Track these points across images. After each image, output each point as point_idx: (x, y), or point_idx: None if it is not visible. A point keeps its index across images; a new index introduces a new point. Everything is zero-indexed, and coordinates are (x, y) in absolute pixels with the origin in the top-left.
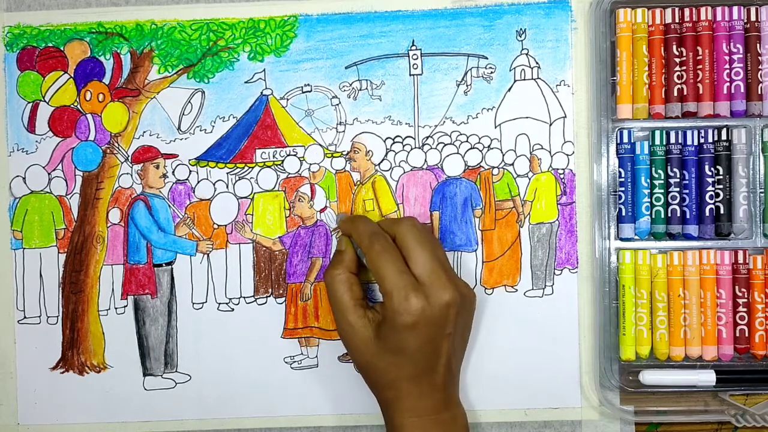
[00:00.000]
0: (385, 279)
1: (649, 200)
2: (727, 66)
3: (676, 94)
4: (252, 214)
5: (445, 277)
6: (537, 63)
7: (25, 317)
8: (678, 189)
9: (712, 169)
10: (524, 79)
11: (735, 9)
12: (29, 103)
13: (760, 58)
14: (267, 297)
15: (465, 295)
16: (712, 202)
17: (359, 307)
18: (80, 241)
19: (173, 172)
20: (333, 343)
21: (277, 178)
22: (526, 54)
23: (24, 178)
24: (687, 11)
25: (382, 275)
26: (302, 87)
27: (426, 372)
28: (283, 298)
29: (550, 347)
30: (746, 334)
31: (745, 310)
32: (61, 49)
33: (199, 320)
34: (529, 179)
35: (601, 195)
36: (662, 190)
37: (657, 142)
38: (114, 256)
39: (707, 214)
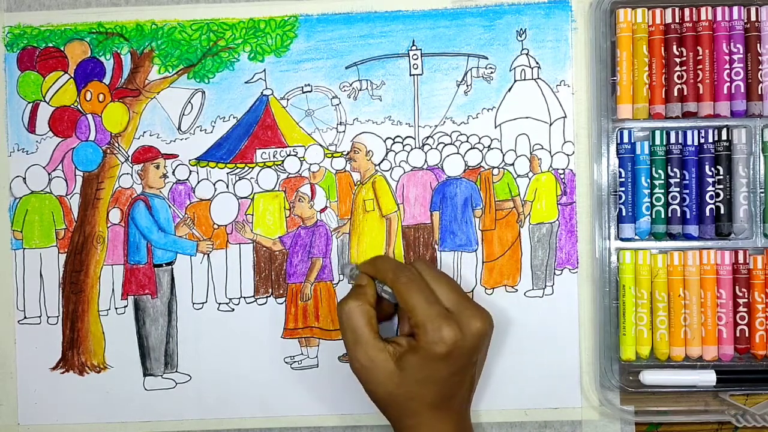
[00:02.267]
0: (415, 309)
1: (649, 200)
2: (727, 66)
3: (676, 94)
4: (252, 214)
5: (473, 306)
6: (537, 63)
7: (25, 317)
8: (678, 189)
9: (713, 169)
10: (524, 79)
11: (735, 9)
12: (29, 103)
13: (760, 58)
14: (267, 297)
15: (489, 326)
16: (713, 202)
17: (379, 341)
18: (80, 241)
19: (173, 172)
20: (333, 343)
21: (278, 178)
22: (527, 54)
23: (24, 179)
24: (687, 11)
25: (412, 305)
26: (302, 87)
27: (448, 398)
28: (284, 298)
29: (550, 347)
30: (746, 334)
31: (745, 310)
32: (62, 49)
33: (199, 320)
34: (530, 179)
35: (601, 195)
36: (662, 190)
37: (657, 142)
38: (114, 256)
39: (707, 214)
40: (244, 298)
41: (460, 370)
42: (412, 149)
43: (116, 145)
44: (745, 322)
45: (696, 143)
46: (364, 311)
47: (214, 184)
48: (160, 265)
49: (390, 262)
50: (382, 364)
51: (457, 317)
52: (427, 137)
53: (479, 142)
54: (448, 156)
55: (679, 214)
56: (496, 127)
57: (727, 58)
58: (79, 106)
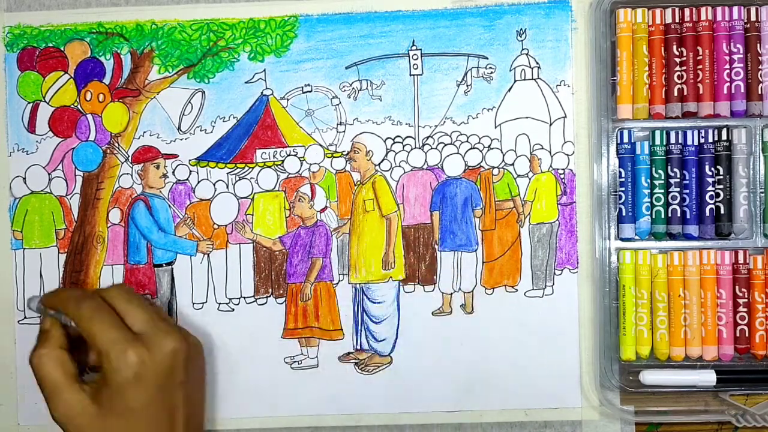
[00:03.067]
0: (96, 338)
1: (649, 200)
2: (727, 66)
3: (676, 94)
4: (252, 215)
5: (164, 326)
6: (537, 63)
7: (25, 317)
8: (678, 189)
9: (713, 169)
10: (524, 79)
11: (735, 9)
12: (29, 103)
13: (760, 58)
14: (267, 297)
15: (192, 343)
16: (713, 202)
17: (74, 383)
18: (80, 242)
19: (173, 172)
20: (333, 343)
21: (278, 178)
22: (527, 54)
23: (24, 179)
24: (687, 11)
25: (94, 334)
26: (302, 87)
27: (162, 427)
28: (283, 299)
29: (550, 347)
30: (746, 334)
31: (745, 310)
32: (62, 49)
33: (199, 320)
34: (530, 179)
35: (601, 195)
36: (662, 190)
37: (657, 142)
38: (114, 256)
39: (707, 214)
40: (244, 298)
41: (160, 393)
42: (412, 149)
43: (116, 145)
44: (745, 322)
45: (696, 143)
46: (53, 357)
47: (214, 184)
48: (160, 265)
49: (73, 293)
50: (82, 409)
51: (145, 339)
52: (427, 137)
53: (479, 142)
54: (448, 156)
55: (679, 214)
56: (496, 127)
57: (727, 58)
58: (79, 106)
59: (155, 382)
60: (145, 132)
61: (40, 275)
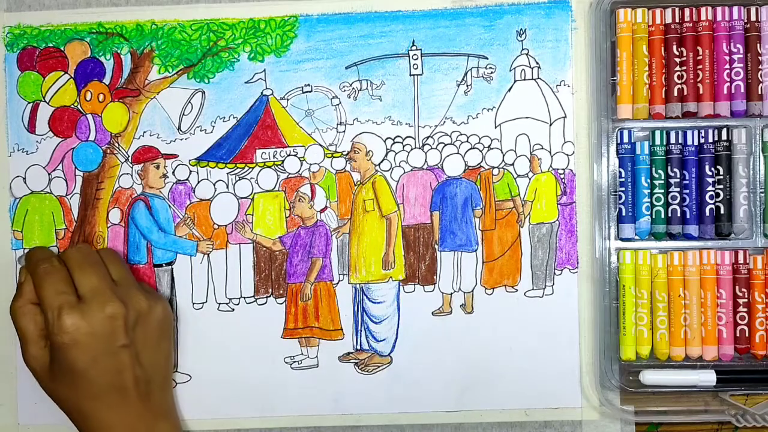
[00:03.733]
0: (41, 301)
1: (649, 200)
2: (727, 66)
3: (676, 94)
4: (252, 215)
5: (109, 292)
6: (537, 63)
7: None
8: (678, 189)
9: (713, 169)
10: (524, 79)
11: (735, 9)
12: (29, 103)
13: (760, 58)
14: (267, 297)
15: (138, 309)
16: (713, 202)
17: (41, 339)
18: (80, 241)
19: (173, 172)
20: (333, 343)
21: (278, 178)
22: (527, 54)
23: (24, 179)
24: (687, 11)
25: (41, 297)
26: (302, 87)
27: (110, 389)
28: (284, 299)
29: (550, 347)
30: (746, 334)
31: (745, 310)
32: (62, 49)
33: (199, 320)
34: (530, 179)
35: (601, 195)
36: (662, 190)
37: (657, 142)
38: None
39: (707, 214)
40: (244, 298)
41: (102, 356)
42: (412, 149)
43: (116, 145)
44: (745, 322)
45: (696, 143)
46: (25, 311)
47: (214, 184)
48: (160, 265)
49: (36, 254)
50: (42, 363)
51: (85, 304)
52: (427, 137)
53: (479, 142)
54: (448, 156)
55: (679, 214)
56: (496, 127)
57: (727, 58)
58: (79, 106)
59: (93, 346)
60: (145, 132)
61: None
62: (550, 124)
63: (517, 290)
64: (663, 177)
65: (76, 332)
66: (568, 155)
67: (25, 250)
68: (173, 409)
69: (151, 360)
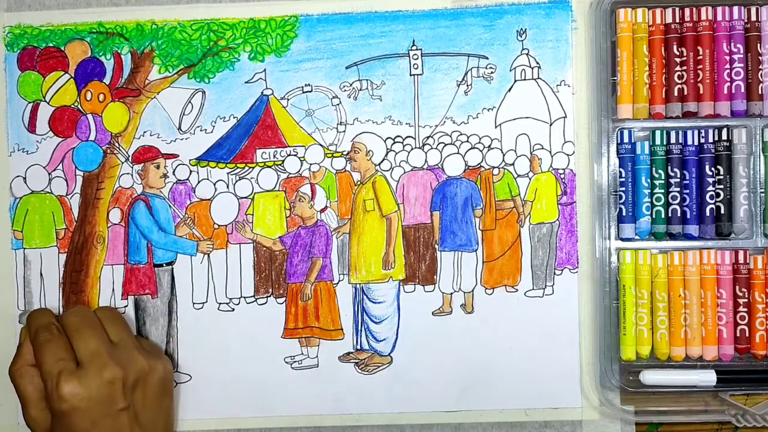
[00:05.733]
0: (40, 368)
1: (649, 200)
2: (727, 66)
3: (676, 93)
4: (252, 214)
5: (106, 356)
6: (537, 63)
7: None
8: (678, 189)
9: (713, 169)
10: (524, 79)
11: (735, 9)
12: (30, 103)
13: (760, 58)
14: (267, 297)
15: (137, 370)
16: (713, 202)
17: (40, 401)
18: (81, 241)
19: (174, 172)
20: (333, 343)
21: (278, 178)
22: (527, 54)
23: (24, 178)
24: (687, 11)
25: (40, 365)
26: (303, 87)
27: None
28: (284, 298)
29: (550, 347)
30: (747, 334)
31: (745, 310)
32: (62, 49)
33: (199, 320)
34: (530, 179)
35: (601, 195)
36: (663, 190)
37: (657, 142)
38: (114, 256)
39: (708, 214)
40: (245, 298)
41: (103, 421)
42: (412, 149)
43: (116, 145)
44: (745, 322)
45: (696, 143)
46: (23, 374)
47: (214, 184)
48: (161, 265)
49: (38, 319)
50: (42, 423)
51: (83, 370)
52: (428, 137)
53: (479, 142)
54: (448, 156)
55: (679, 214)
56: (496, 127)
57: (727, 58)
58: (79, 106)
59: (93, 411)
60: (145, 132)
61: (41, 275)
62: (551, 124)
63: (517, 290)
64: (663, 177)
65: (74, 399)
66: (568, 155)
67: (26, 312)
68: None
69: (150, 418)
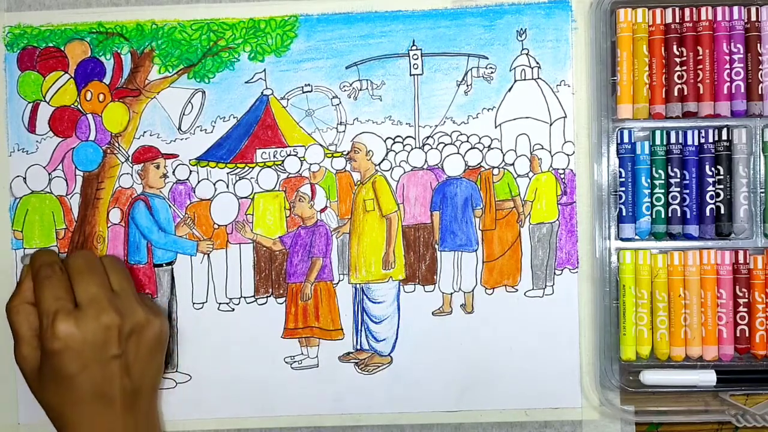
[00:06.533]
0: (38, 305)
1: (649, 200)
2: (727, 66)
3: (676, 94)
4: (252, 214)
5: (106, 302)
6: (537, 63)
7: None
8: (678, 189)
9: (713, 169)
10: (524, 79)
11: (735, 9)
12: (30, 103)
13: (760, 58)
14: (267, 297)
15: (134, 321)
16: (713, 202)
17: (34, 339)
18: (81, 241)
19: (173, 172)
20: (333, 343)
21: (278, 178)
22: (527, 54)
23: (24, 178)
24: (687, 11)
25: (39, 301)
26: (302, 87)
27: (96, 397)
28: (284, 298)
29: (550, 347)
30: (747, 334)
31: (745, 310)
32: (62, 49)
33: (199, 320)
34: (530, 179)
35: (601, 195)
36: (663, 190)
37: (657, 142)
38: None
39: (708, 214)
40: (244, 298)
41: (92, 364)
42: (412, 149)
43: (116, 145)
44: (745, 322)
45: (696, 143)
46: (20, 311)
47: (214, 184)
48: (161, 265)
49: (41, 257)
50: (32, 364)
51: (81, 312)
52: (428, 137)
53: (479, 142)
54: (448, 156)
55: (679, 214)
56: (496, 127)
57: (727, 58)
58: (79, 106)
59: (85, 354)
60: (145, 132)
61: None
62: (551, 124)
63: (517, 290)
64: (663, 177)
65: (68, 339)
66: (568, 155)
67: (26, 251)
68: (157, 420)
69: (141, 372)
